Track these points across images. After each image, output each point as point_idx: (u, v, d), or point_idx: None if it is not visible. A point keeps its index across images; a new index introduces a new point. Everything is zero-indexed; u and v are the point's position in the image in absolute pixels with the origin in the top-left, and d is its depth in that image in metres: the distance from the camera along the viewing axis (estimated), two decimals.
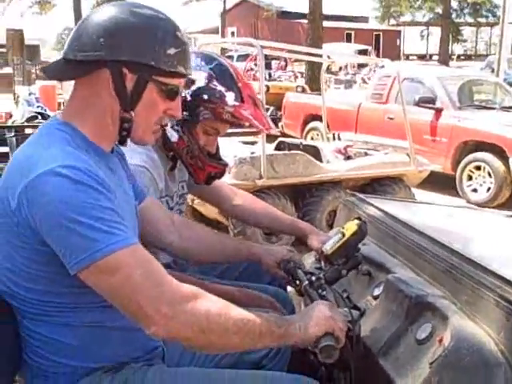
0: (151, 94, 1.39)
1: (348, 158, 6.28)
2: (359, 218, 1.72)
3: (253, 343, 1.34)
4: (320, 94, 7.99)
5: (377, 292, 1.75)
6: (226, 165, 2.11)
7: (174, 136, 1.95)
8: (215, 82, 1.90)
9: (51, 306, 1.35)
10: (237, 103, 1.89)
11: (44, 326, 1.36)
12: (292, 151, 5.79)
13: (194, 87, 1.89)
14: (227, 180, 4.19)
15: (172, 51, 1.37)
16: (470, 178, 7.49)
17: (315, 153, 5.95)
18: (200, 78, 1.90)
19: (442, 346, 1.35)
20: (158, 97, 1.40)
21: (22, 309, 1.37)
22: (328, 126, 7.64)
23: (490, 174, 7.22)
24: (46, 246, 1.26)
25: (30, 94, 12.74)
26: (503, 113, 7.98)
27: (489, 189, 7.25)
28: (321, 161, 5.83)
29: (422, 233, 1.85)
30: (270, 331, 1.33)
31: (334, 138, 7.27)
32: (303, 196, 5.58)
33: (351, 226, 1.67)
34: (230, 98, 1.89)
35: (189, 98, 1.89)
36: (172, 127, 1.94)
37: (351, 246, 1.69)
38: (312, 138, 9.42)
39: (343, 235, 1.68)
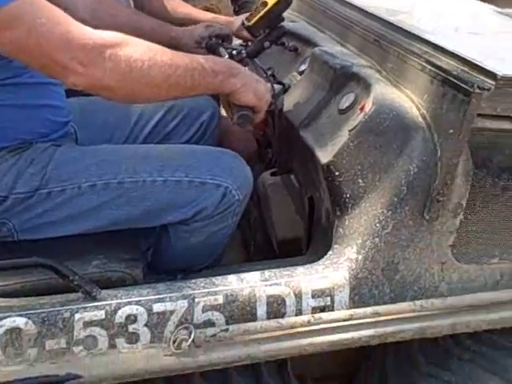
0: None
1: None
2: None
3: (184, 92, 1.24)
4: None
5: (303, 67, 1.66)
6: None
7: None
8: None
9: None
10: None
11: None
12: None
13: None
14: None
15: None
16: None
17: None
18: None
19: (363, 112, 1.30)
20: None
21: None
22: None
23: None
24: None
25: None
26: None
27: None
28: None
29: (352, 5, 1.73)
30: (204, 81, 1.22)
31: None
32: None
33: None
34: None
35: None
36: None
37: (274, 15, 1.56)
38: None
39: (265, 5, 1.56)
